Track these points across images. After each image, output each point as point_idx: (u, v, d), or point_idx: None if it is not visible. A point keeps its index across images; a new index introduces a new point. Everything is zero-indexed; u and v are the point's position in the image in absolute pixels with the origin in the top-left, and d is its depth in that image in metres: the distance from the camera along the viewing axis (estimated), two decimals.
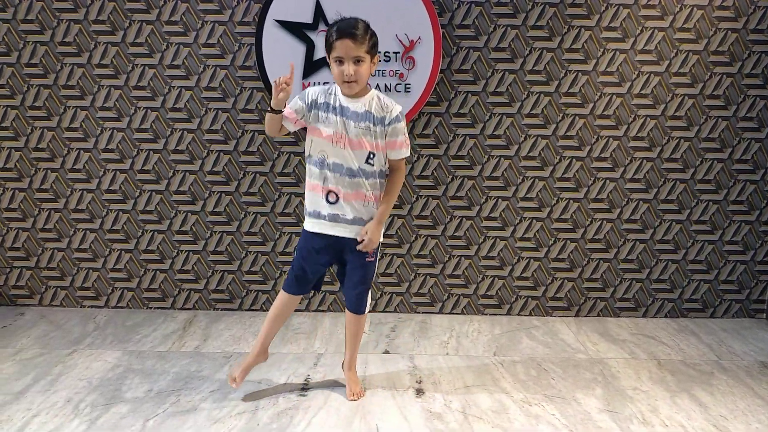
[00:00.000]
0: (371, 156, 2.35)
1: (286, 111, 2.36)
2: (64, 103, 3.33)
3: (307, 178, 2.43)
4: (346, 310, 2.57)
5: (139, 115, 3.34)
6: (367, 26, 2.27)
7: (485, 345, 3.12)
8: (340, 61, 2.24)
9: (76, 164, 3.39)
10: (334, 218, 2.38)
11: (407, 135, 2.42)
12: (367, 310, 2.57)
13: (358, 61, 2.23)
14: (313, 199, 2.40)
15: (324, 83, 3.18)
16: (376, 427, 2.33)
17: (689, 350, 3.10)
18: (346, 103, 2.33)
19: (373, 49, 2.29)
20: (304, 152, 2.43)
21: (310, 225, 2.43)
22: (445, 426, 2.35)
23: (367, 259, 2.45)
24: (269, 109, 2.33)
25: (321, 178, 2.36)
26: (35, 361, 2.86)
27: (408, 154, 2.44)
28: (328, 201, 2.37)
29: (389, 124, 2.34)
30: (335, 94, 2.36)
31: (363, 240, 2.38)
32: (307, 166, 2.42)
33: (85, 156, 3.39)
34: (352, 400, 2.51)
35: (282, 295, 2.54)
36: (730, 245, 3.48)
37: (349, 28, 2.21)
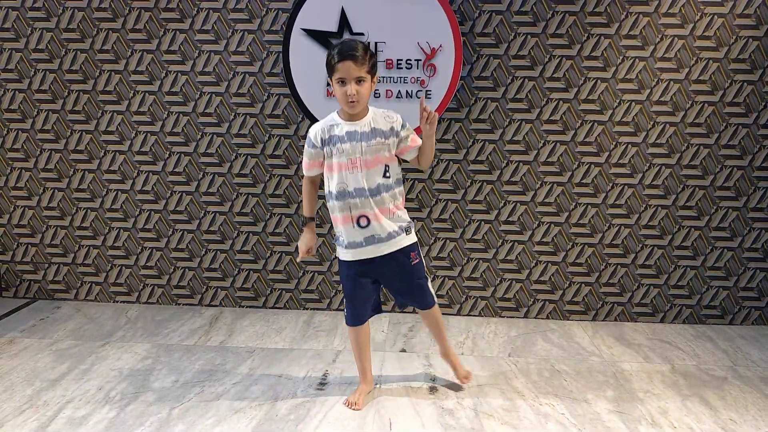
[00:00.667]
0: (387, 169, 2.42)
1: (307, 166, 2.49)
2: (102, 107, 3.51)
3: (332, 214, 2.47)
4: (419, 311, 2.64)
5: (172, 119, 3.50)
6: (366, 48, 2.35)
7: (500, 346, 3.19)
8: (342, 82, 2.31)
9: (112, 166, 3.57)
10: (371, 240, 2.42)
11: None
12: (435, 300, 2.61)
13: (359, 81, 2.30)
14: (345, 230, 2.44)
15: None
16: (388, 421, 2.42)
17: (704, 356, 3.12)
18: (350, 127, 2.38)
19: (372, 69, 2.35)
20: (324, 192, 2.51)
21: (349, 255, 2.46)
22: (455, 422, 2.43)
23: (413, 263, 2.50)
24: (302, 220, 2.49)
25: (347, 208, 2.40)
26: (70, 351, 3.02)
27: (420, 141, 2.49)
28: (360, 226, 2.40)
29: (398, 132, 2.43)
30: (336, 124, 2.41)
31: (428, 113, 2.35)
32: (330, 204, 2.46)
33: (121, 158, 3.56)
34: (464, 383, 2.69)
35: (351, 331, 2.60)
36: (750, 252, 3.48)
37: (350, 50, 2.28)
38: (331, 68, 2.33)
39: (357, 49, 2.29)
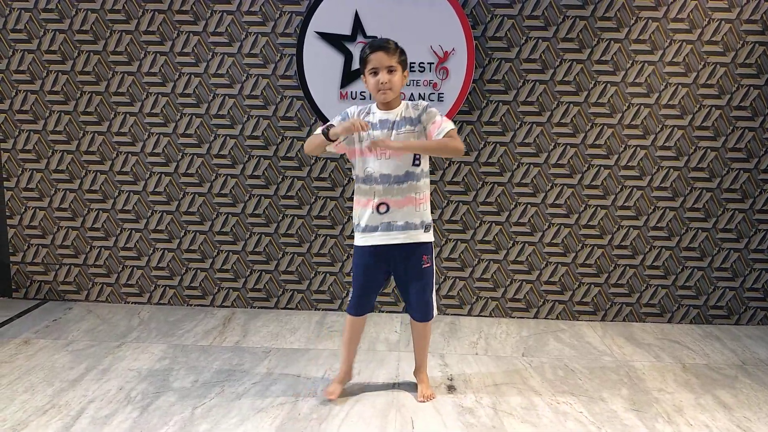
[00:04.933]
0: (417, 156, 2.46)
1: (331, 134, 2.44)
2: (115, 109, 3.52)
3: (356, 196, 2.54)
4: (412, 320, 2.63)
5: (185, 121, 3.52)
6: (396, 43, 2.44)
7: (513, 346, 3.23)
8: (375, 72, 2.40)
9: (124, 167, 3.58)
10: (387, 227, 2.47)
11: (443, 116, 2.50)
12: (435, 313, 2.63)
13: (390, 70, 2.40)
14: (364, 213, 2.49)
15: (361, 93, 3.34)
16: (410, 420, 2.45)
17: (714, 355, 3.18)
18: (383, 116, 2.46)
19: (403, 63, 2.44)
20: (351, 172, 2.54)
21: (363, 239, 2.51)
22: (476, 420, 2.46)
23: (423, 266, 2.53)
24: (323, 132, 2.43)
25: (371, 193, 2.46)
26: (87, 352, 3.03)
27: (453, 125, 2.44)
28: (378, 212, 2.46)
29: (423, 114, 2.45)
30: (371, 113, 2.50)
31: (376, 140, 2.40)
32: (356, 185, 2.54)
33: (133, 159, 3.57)
34: (421, 402, 2.59)
35: (350, 320, 2.63)
36: (756, 253, 3.54)
37: (382, 42, 2.41)
38: (364, 61, 2.42)
39: (388, 42, 2.42)
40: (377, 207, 2.46)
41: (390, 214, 2.47)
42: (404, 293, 2.63)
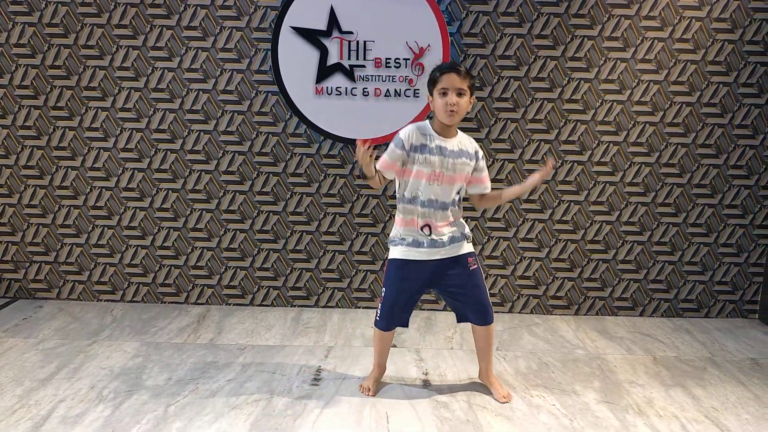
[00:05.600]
0: (460, 189, 2.54)
1: (384, 164, 2.47)
2: (86, 104, 3.46)
3: (399, 215, 2.53)
4: (474, 326, 2.62)
5: (158, 116, 3.48)
6: (468, 68, 2.54)
7: None
8: (445, 93, 2.40)
9: (96, 163, 3.52)
10: (433, 244, 2.49)
11: None
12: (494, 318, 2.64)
13: (460, 93, 2.40)
14: (409, 231, 2.51)
15: (337, 89, 3.33)
16: (385, 414, 2.46)
17: (684, 347, 3.23)
18: (441, 143, 2.45)
19: (471, 87, 2.44)
20: (396, 191, 2.56)
21: (408, 253, 2.51)
22: (451, 414, 2.48)
23: (471, 268, 2.55)
24: (365, 176, 2.45)
25: (415, 214, 2.48)
26: (57, 350, 2.98)
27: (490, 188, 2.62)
28: (422, 232, 2.49)
29: (480, 159, 2.55)
30: (430, 134, 2.47)
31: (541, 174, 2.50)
32: (400, 205, 2.52)
33: (105, 155, 3.52)
34: (504, 402, 2.58)
35: (381, 334, 2.62)
36: (725, 248, 3.61)
37: (454, 65, 2.44)
38: (434, 81, 2.43)
39: (460, 66, 2.44)
40: (422, 228, 2.49)
41: (434, 235, 2.49)
42: (457, 299, 2.61)
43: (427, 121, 2.50)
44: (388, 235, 2.63)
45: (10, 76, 3.43)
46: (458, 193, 2.53)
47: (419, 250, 2.50)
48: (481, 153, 2.56)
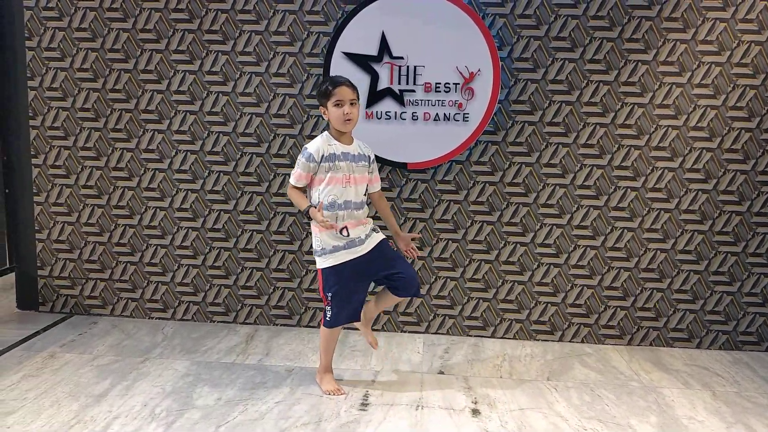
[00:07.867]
0: (366, 189, 2.86)
1: (299, 178, 2.75)
2: (143, 126, 3.57)
3: (315, 224, 2.72)
4: (394, 296, 2.87)
5: (212, 138, 3.56)
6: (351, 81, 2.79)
7: (538, 369, 3.19)
8: (339, 104, 2.69)
9: (152, 183, 3.62)
10: (351, 244, 2.75)
11: None
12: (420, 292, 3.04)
13: (352, 103, 2.72)
14: (330, 236, 2.72)
15: (386, 113, 3.35)
16: None
17: (744, 383, 3.10)
18: (344, 149, 2.76)
19: (357, 98, 2.76)
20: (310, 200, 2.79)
21: (338, 257, 2.73)
22: None
23: (389, 243, 2.91)
24: (303, 212, 2.71)
25: (334, 218, 2.71)
26: (111, 367, 3.05)
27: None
28: (341, 234, 2.72)
29: (373, 162, 2.90)
30: (334, 144, 2.75)
31: (410, 246, 2.98)
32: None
33: (160, 176, 3.61)
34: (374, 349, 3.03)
35: (329, 332, 2.85)
36: None
37: (343, 79, 2.75)
38: (327, 94, 2.72)
39: (348, 79, 2.76)
40: (341, 231, 2.73)
41: (351, 234, 2.74)
42: (387, 269, 2.80)
43: (326, 132, 2.78)
44: (314, 250, 2.81)
45: (72, 99, 3.57)
46: (365, 194, 2.84)
47: (346, 251, 2.73)
48: (373, 156, 2.90)
